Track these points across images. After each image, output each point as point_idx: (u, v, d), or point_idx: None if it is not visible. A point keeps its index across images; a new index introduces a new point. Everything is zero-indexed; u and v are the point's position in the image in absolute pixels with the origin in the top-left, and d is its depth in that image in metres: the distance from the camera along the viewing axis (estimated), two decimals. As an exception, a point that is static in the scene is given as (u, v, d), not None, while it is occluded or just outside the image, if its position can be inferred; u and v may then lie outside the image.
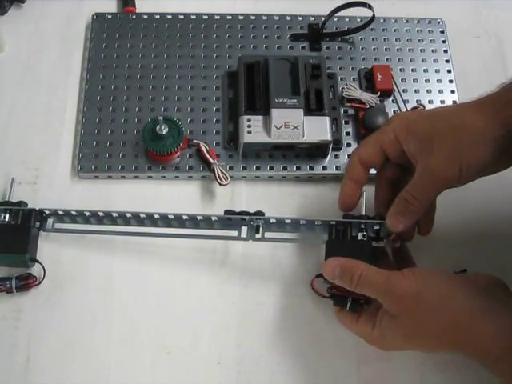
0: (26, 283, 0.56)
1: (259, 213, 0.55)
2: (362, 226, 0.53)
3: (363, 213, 0.54)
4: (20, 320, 0.56)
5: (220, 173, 0.61)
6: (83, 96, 0.66)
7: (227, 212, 0.56)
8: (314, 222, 0.55)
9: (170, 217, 0.56)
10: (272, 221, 0.55)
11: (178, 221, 0.56)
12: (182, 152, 0.63)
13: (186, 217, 0.56)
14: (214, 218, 0.56)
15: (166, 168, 0.63)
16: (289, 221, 0.55)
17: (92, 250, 0.59)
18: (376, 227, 0.53)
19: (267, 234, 0.55)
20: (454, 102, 0.67)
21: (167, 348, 0.56)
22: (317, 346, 0.56)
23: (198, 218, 0.56)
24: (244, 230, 0.55)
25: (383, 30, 0.72)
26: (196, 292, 0.58)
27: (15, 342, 0.55)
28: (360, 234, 0.52)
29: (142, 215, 0.56)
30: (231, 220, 0.56)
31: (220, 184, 0.60)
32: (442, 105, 0.67)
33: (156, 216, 0.56)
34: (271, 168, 0.63)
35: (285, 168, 0.63)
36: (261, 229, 0.55)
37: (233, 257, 0.59)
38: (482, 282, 0.48)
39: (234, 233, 0.55)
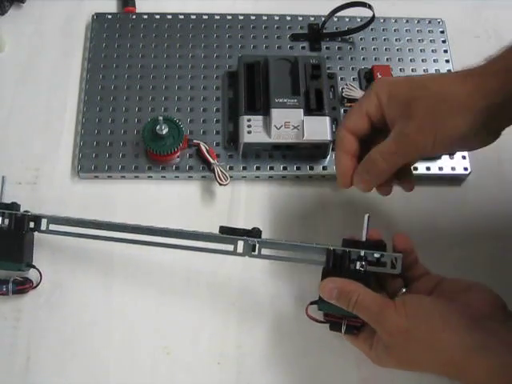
0: (22, 288, 0.56)
1: (255, 230, 0.53)
2: (362, 255, 0.50)
3: (364, 239, 0.51)
4: (20, 320, 0.56)
5: (220, 173, 0.61)
6: (83, 96, 0.66)
7: (223, 229, 0.54)
8: (313, 247, 0.52)
9: (166, 230, 0.55)
10: (268, 241, 0.54)
11: (173, 234, 0.55)
12: (181, 152, 0.63)
13: (181, 232, 0.54)
14: (210, 236, 0.54)
15: (166, 168, 0.63)
16: (286, 246, 0.53)
17: (92, 249, 0.59)
18: (376, 255, 0.50)
19: (264, 251, 0.53)
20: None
21: (167, 348, 0.56)
22: (317, 346, 0.56)
23: (193, 234, 0.54)
24: (240, 244, 0.53)
25: (383, 30, 0.72)
26: (196, 292, 0.58)
27: (15, 342, 0.55)
28: (358, 264, 0.50)
29: (143, 228, 0.55)
30: (226, 238, 0.54)
31: (220, 184, 0.60)
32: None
33: (154, 229, 0.55)
34: (271, 168, 0.63)
35: (285, 168, 0.63)
36: (257, 247, 0.53)
37: (233, 256, 0.59)
38: (479, 307, 0.47)
39: (230, 247, 0.53)
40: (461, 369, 0.45)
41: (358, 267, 0.50)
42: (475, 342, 0.44)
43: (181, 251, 0.55)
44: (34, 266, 0.56)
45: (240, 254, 0.53)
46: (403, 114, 0.49)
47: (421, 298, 0.48)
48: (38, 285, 0.56)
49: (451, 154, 0.63)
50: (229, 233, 0.53)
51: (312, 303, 0.52)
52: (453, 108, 0.47)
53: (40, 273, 0.56)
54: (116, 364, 0.55)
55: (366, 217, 0.51)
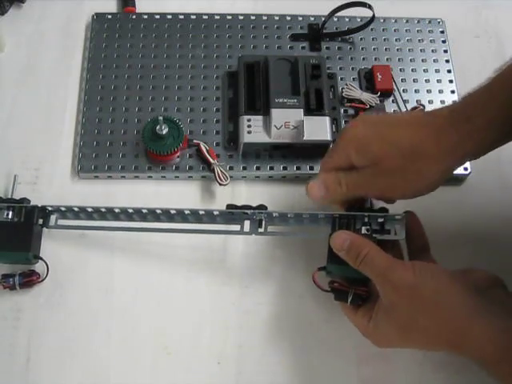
0: (29, 280, 0.56)
1: (262, 207, 0.55)
2: (366, 220, 0.52)
3: (368, 205, 0.53)
4: (20, 320, 0.56)
5: (220, 173, 0.61)
6: (83, 96, 0.66)
7: (229, 206, 0.55)
8: (318, 216, 0.54)
9: (172, 212, 0.56)
10: (274, 215, 0.55)
11: (181, 215, 0.56)
12: (181, 152, 0.63)
13: (188, 211, 0.55)
14: (216, 213, 0.55)
15: (166, 168, 0.63)
16: (291, 215, 0.55)
17: (92, 249, 0.59)
18: (380, 220, 0.52)
19: (270, 228, 0.55)
20: (454, 101, 0.67)
21: (167, 348, 0.56)
22: (317, 346, 0.56)
23: (200, 212, 0.55)
24: (247, 224, 0.55)
25: (383, 30, 0.72)
26: (196, 292, 0.58)
27: (15, 342, 0.55)
28: (363, 228, 0.51)
29: (144, 210, 0.56)
30: (233, 214, 0.55)
31: (220, 184, 0.60)
32: (442, 105, 0.67)
33: (158, 211, 0.56)
34: (271, 168, 0.63)
35: (285, 168, 0.63)
36: (263, 223, 0.55)
37: (233, 256, 0.59)
38: (481, 281, 0.48)
39: (237, 227, 0.55)
40: (463, 331, 0.45)
41: (363, 232, 0.51)
42: (479, 306, 0.45)
43: (182, 250, 0.55)
44: (41, 258, 0.57)
45: (247, 233, 0.55)
46: (374, 171, 0.50)
47: (429, 263, 0.49)
48: (45, 278, 0.56)
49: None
50: (236, 209, 0.55)
51: (320, 269, 0.52)
52: (423, 168, 0.49)
53: (47, 265, 0.56)
54: (116, 364, 0.55)
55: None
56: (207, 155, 0.62)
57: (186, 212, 0.55)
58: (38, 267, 0.57)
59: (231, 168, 0.63)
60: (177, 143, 0.61)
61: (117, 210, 0.56)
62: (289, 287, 0.58)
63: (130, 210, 0.56)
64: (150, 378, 0.55)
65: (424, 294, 0.46)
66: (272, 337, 0.57)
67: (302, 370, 0.56)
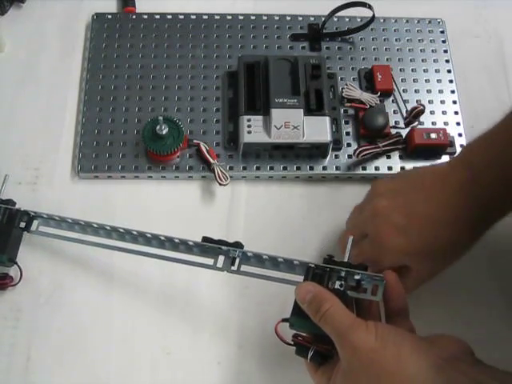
0: (1, 283, 0.56)
1: (238, 244, 0.52)
2: (343, 274, 0.48)
3: (346, 259, 0.49)
4: (20, 320, 0.56)
5: (220, 173, 0.61)
6: (83, 96, 0.66)
7: (205, 239, 0.53)
8: (293, 262, 0.51)
9: (148, 235, 0.54)
10: (249, 254, 0.52)
11: (157, 240, 0.54)
12: (182, 152, 0.63)
13: (164, 238, 0.54)
14: (191, 243, 0.53)
15: (166, 168, 0.63)
16: (267, 257, 0.52)
17: (92, 250, 0.59)
18: (357, 277, 0.47)
19: (244, 268, 0.53)
20: (454, 101, 0.68)
21: (167, 348, 0.56)
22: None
23: (176, 240, 0.53)
24: (221, 259, 0.53)
25: (383, 30, 0.72)
26: (196, 292, 0.58)
27: (15, 342, 0.55)
28: (338, 283, 0.47)
29: (121, 230, 0.55)
30: (208, 247, 0.53)
31: (220, 184, 0.60)
32: (442, 105, 0.67)
33: (134, 233, 0.54)
34: (271, 168, 0.63)
35: (285, 168, 0.63)
36: (237, 261, 0.52)
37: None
38: (448, 350, 0.44)
39: (211, 261, 0.53)
40: None
41: (336, 286, 0.48)
42: (441, 380, 0.41)
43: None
44: (15, 263, 0.56)
45: (219, 269, 0.52)
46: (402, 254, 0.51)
47: (396, 327, 0.45)
48: (17, 282, 0.56)
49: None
50: (212, 242, 0.52)
51: (284, 320, 0.49)
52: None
53: (20, 269, 0.56)
54: (116, 364, 0.55)
55: (350, 239, 0.49)
56: (207, 155, 0.62)
57: (162, 238, 0.54)
58: (13, 270, 0.57)
59: (231, 168, 0.63)
60: (177, 143, 0.61)
61: (95, 225, 0.55)
62: (289, 287, 0.58)
63: (108, 227, 0.55)
64: (149, 377, 0.55)
65: (384, 360, 0.42)
66: (272, 337, 0.56)
67: (302, 370, 0.55)
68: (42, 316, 0.56)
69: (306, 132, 0.61)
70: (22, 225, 0.57)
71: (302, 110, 0.61)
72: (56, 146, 0.64)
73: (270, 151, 0.63)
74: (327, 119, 0.62)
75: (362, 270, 0.48)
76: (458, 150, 0.64)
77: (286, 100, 0.62)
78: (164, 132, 0.60)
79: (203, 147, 0.62)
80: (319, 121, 0.61)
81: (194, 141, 0.63)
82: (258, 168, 0.63)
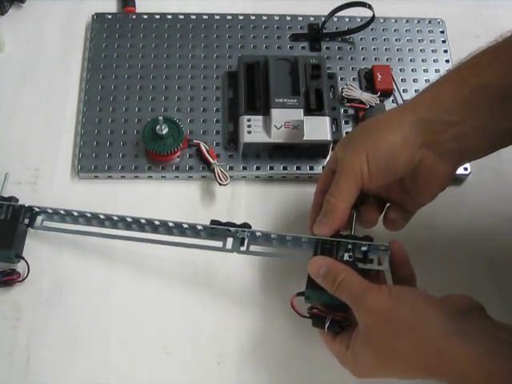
0: (9, 279, 0.56)
1: (245, 225, 0.54)
2: (349, 247, 0.50)
3: (352, 233, 0.51)
4: (20, 320, 0.56)
5: (220, 173, 0.61)
6: (83, 96, 0.66)
7: (213, 222, 0.54)
8: (301, 239, 0.52)
9: (156, 223, 0.55)
10: (258, 234, 0.54)
11: (165, 227, 0.55)
12: (182, 152, 0.63)
13: (172, 224, 0.54)
14: (199, 227, 0.54)
15: (166, 168, 0.63)
16: (275, 235, 0.54)
17: (92, 250, 0.59)
18: (364, 248, 0.50)
19: (252, 248, 0.54)
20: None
21: (167, 348, 0.56)
22: (317, 346, 0.56)
23: (184, 225, 0.54)
24: (229, 241, 0.54)
25: (383, 30, 0.72)
26: (196, 292, 0.58)
27: (15, 342, 0.55)
28: (346, 255, 0.50)
29: (128, 219, 0.55)
30: (217, 230, 0.54)
31: (220, 184, 0.60)
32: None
33: (143, 221, 0.55)
34: (271, 168, 0.63)
35: (285, 168, 0.63)
36: (246, 241, 0.54)
37: (233, 256, 0.59)
38: (459, 305, 0.46)
39: (220, 243, 0.54)
40: (441, 355, 0.43)
41: (345, 258, 0.50)
42: (456, 328, 0.44)
43: (182, 249, 0.55)
44: (22, 258, 0.57)
45: (229, 250, 0.54)
46: (343, 149, 0.51)
47: (408, 287, 0.48)
48: (25, 277, 0.56)
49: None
50: (220, 225, 0.54)
51: (298, 294, 0.51)
52: (381, 125, 0.50)
53: (28, 265, 0.56)
54: (116, 364, 0.55)
55: (354, 213, 0.52)
56: (207, 155, 0.62)
57: (170, 224, 0.55)
58: (20, 266, 0.57)
59: (231, 168, 0.63)
60: (177, 143, 0.61)
61: (102, 217, 0.56)
62: (290, 287, 0.58)
63: (115, 218, 0.56)
64: (149, 377, 0.55)
65: (400, 317, 0.45)
66: (272, 337, 0.57)
67: (302, 370, 0.55)
68: (42, 316, 0.56)
69: (306, 132, 0.61)
70: (26, 221, 0.57)
71: (302, 110, 0.61)
72: (56, 145, 0.64)
73: (270, 151, 0.63)
74: (327, 119, 0.62)
75: (368, 241, 0.50)
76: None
77: (285, 100, 0.62)
78: (164, 132, 0.60)
79: (203, 147, 0.62)
80: (319, 121, 0.61)
81: (194, 141, 0.63)
82: (257, 168, 0.63)
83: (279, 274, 0.59)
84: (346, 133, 0.65)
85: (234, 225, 0.54)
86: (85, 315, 0.57)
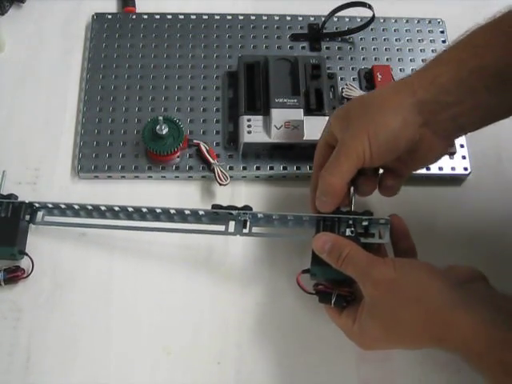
0: (14, 276, 0.56)
1: (246, 207, 0.55)
2: (350, 222, 0.52)
3: (351, 209, 0.53)
4: (20, 320, 0.56)
5: (220, 173, 0.61)
6: (83, 96, 0.66)
7: (214, 206, 0.55)
8: (302, 218, 0.54)
9: (158, 211, 0.56)
10: (259, 216, 0.55)
11: (166, 215, 0.56)
12: (182, 152, 0.63)
13: (174, 211, 0.55)
14: (201, 213, 0.55)
15: (166, 168, 0.63)
16: (276, 216, 0.55)
17: (92, 249, 0.59)
18: (364, 223, 0.52)
19: (255, 229, 0.55)
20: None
21: (167, 348, 0.56)
22: (317, 346, 0.56)
23: (186, 212, 0.55)
24: (231, 224, 0.55)
25: (383, 30, 0.72)
26: (196, 291, 0.58)
27: (15, 342, 0.55)
28: (348, 230, 0.52)
29: (130, 209, 0.56)
30: (218, 215, 0.55)
31: (220, 184, 0.60)
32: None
33: (144, 210, 0.56)
34: (271, 168, 0.63)
35: (285, 168, 0.63)
36: (248, 223, 0.55)
37: (233, 256, 0.59)
38: (463, 276, 0.48)
39: (222, 227, 0.55)
40: (446, 324, 0.44)
41: (347, 233, 0.51)
42: (461, 298, 0.44)
43: (182, 250, 0.55)
44: (26, 254, 0.57)
45: (231, 233, 0.55)
46: (342, 127, 0.51)
47: (411, 259, 0.50)
48: (29, 274, 0.56)
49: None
50: (221, 209, 0.55)
51: (304, 271, 0.52)
52: (382, 107, 0.50)
53: (32, 261, 0.56)
54: (116, 364, 0.55)
55: (352, 189, 0.53)
56: (207, 155, 0.62)
57: (172, 211, 0.55)
58: (24, 263, 0.57)
59: (231, 168, 0.63)
60: (177, 143, 0.61)
61: (103, 208, 0.57)
62: (290, 286, 0.58)
63: (117, 208, 0.56)
64: (149, 377, 0.55)
65: (405, 287, 0.46)
66: (272, 337, 0.57)
67: (302, 369, 0.55)
68: (42, 316, 0.56)
69: (306, 132, 0.61)
70: (27, 217, 0.57)
71: (301, 110, 0.61)
72: (56, 145, 0.64)
73: (270, 151, 0.63)
74: (327, 119, 0.61)
75: (368, 215, 0.52)
76: (458, 148, 0.64)
77: (285, 100, 0.62)
78: (164, 132, 0.60)
79: (203, 147, 0.62)
80: (319, 121, 0.61)
81: (194, 141, 0.63)
82: (257, 168, 0.63)
83: (283, 253, 0.59)
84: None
85: (235, 208, 0.55)
86: (85, 315, 0.56)
